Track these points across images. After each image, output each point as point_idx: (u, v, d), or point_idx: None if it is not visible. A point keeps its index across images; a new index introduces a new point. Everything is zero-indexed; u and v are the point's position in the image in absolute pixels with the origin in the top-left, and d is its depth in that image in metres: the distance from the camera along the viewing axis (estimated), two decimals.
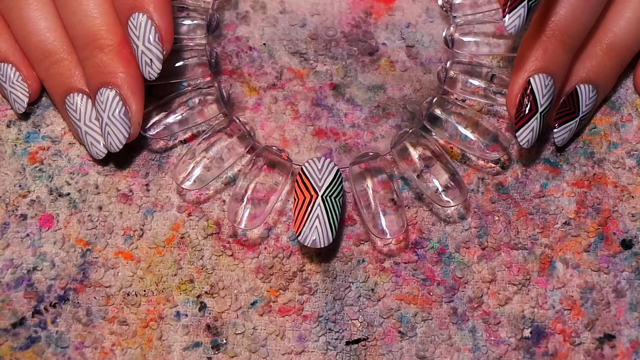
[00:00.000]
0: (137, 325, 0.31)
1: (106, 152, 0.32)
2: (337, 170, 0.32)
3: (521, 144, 0.32)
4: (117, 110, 0.31)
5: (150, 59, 0.31)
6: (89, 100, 0.32)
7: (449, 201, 0.32)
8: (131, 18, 0.31)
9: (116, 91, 0.31)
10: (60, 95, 0.33)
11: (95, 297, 0.32)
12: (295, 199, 0.31)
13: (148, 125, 0.33)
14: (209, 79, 0.35)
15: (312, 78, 0.36)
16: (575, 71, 0.33)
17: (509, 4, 0.29)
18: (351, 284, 0.32)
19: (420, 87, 0.36)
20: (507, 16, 0.29)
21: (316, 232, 0.31)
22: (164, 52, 0.31)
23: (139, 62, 0.31)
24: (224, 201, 0.33)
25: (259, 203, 0.32)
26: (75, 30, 0.32)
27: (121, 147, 0.32)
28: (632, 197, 0.33)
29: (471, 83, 0.34)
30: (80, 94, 0.32)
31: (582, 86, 0.33)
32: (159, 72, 0.31)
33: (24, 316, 0.31)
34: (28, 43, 0.33)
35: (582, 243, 0.33)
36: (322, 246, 0.31)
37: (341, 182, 0.32)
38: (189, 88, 0.34)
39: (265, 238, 0.33)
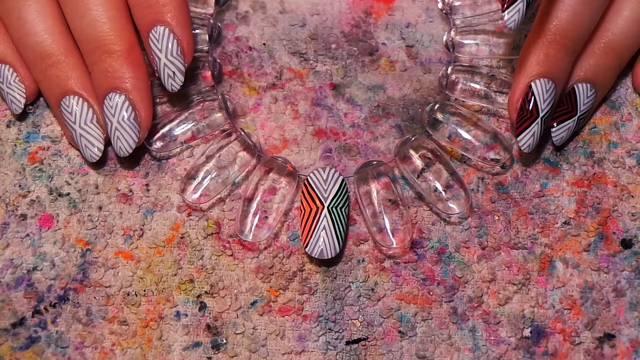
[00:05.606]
0: (137, 325, 0.31)
1: (100, 155, 0.32)
2: (343, 180, 0.32)
3: (522, 148, 0.32)
4: (127, 115, 0.31)
5: (173, 72, 0.31)
6: (85, 103, 0.32)
7: (453, 207, 0.32)
8: (152, 31, 0.31)
9: (125, 96, 0.31)
10: (56, 98, 0.32)
11: (95, 297, 0.32)
12: (301, 210, 0.31)
13: (153, 139, 0.33)
14: (211, 89, 0.35)
15: (312, 78, 0.36)
16: (574, 70, 0.33)
17: None
18: (351, 284, 0.32)
19: (420, 87, 0.36)
20: (507, 10, 0.29)
21: (323, 243, 0.31)
22: (186, 65, 0.32)
23: (161, 75, 0.32)
24: (223, 201, 0.33)
25: (266, 214, 0.32)
26: (83, 34, 0.32)
27: (131, 151, 0.32)
28: (632, 196, 0.33)
29: (471, 85, 0.34)
30: (76, 97, 0.32)
31: (580, 85, 0.33)
32: (182, 84, 0.32)
33: (24, 316, 0.31)
34: (25, 44, 0.33)
35: (582, 242, 0.33)
36: (330, 257, 0.31)
37: (346, 191, 0.32)
38: (193, 100, 0.34)
39: (265, 238, 0.33)
